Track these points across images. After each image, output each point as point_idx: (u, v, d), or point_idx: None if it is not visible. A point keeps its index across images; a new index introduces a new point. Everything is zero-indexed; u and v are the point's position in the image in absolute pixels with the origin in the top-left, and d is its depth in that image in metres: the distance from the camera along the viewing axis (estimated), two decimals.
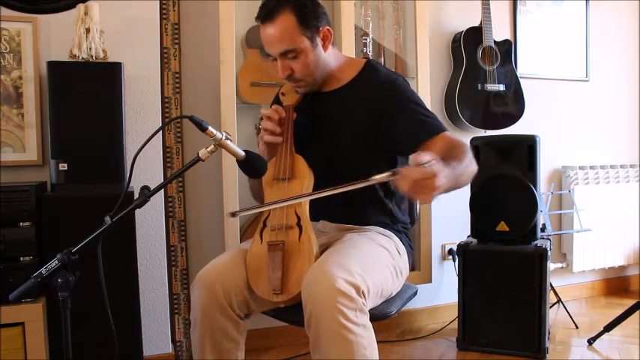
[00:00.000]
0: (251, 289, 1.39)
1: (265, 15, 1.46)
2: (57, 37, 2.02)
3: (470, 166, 1.34)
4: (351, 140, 1.55)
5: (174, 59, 2.26)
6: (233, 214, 1.36)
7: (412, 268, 2.08)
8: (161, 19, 2.22)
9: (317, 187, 1.48)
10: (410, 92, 1.56)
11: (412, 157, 1.12)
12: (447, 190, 1.18)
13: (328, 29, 1.52)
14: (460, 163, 1.30)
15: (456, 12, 2.82)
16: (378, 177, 1.16)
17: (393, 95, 1.52)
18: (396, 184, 1.13)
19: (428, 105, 2.51)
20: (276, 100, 1.68)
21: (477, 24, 2.74)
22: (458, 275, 2.44)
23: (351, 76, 1.59)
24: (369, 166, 1.54)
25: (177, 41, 2.26)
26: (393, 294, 1.52)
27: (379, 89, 1.54)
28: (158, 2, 2.20)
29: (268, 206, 1.46)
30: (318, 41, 1.50)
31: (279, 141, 1.53)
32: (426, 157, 1.10)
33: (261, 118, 1.59)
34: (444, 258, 2.84)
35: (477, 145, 2.42)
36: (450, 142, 1.43)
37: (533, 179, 2.32)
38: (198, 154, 1.23)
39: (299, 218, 1.42)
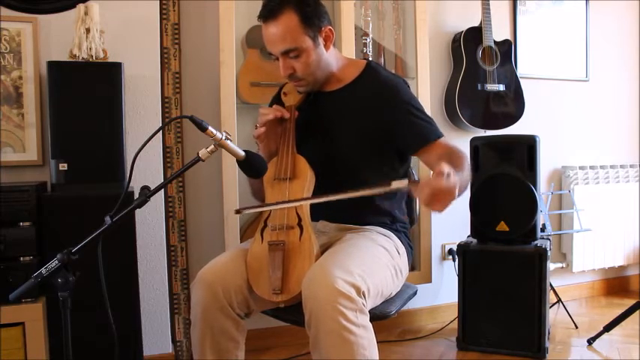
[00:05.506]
0: (251, 289, 1.40)
1: (267, 13, 1.45)
2: (57, 37, 2.02)
3: (468, 174, 1.41)
4: (352, 140, 1.55)
5: (174, 59, 2.26)
6: (238, 211, 1.36)
7: (412, 268, 2.09)
8: (161, 19, 2.22)
9: (317, 187, 1.48)
10: (410, 96, 1.56)
11: (435, 168, 1.14)
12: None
13: (330, 29, 1.52)
14: (462, 172, 1.34)
15: (456, 12, 2.82)
16: (397, 183, 1.15)
17: (394, 98, 1.53)
18: (414, 192, 1.15)
19: (428, 105, 2.56)
20: (277, 100, 1.68)
21: (477, 24, 2.74)
22: (458, 275, 2.44)
23: (352, 77, 1.59)
24: (369, 167, 1.55)
25: (177, 41, 2.26)
26: (393, 294, 1.52)
27: (380, 91, 1.54)
28: (158, 2, 2.20)
29: (273, 206, 1.46)
30: (320, 41, 1.50)
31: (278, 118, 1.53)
32: (446, 169, 1.12)
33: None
34: (444, 258, 2.84)
35: (477, 145, 2.43)
36: (448, 150, 1.47)
37: (533, 179, 2.32)
38: (198, 154, 1.23)
39: (300, 218, 1.43)
